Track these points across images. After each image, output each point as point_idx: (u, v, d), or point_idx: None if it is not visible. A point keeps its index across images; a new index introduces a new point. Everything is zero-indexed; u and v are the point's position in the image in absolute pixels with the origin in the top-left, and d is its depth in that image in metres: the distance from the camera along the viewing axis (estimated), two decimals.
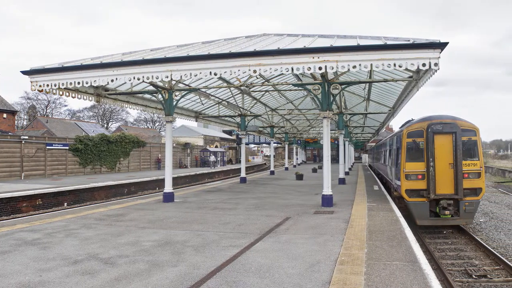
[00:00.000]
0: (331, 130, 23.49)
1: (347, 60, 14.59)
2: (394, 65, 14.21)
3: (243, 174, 36.93)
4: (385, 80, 22.08)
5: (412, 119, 23.08)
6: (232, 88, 29.33)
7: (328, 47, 14.98)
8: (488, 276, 13.97)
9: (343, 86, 19.83)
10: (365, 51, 14.55)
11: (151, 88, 21.76)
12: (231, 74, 15.61)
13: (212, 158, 70.40)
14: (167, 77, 16.23)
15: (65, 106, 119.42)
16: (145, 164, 58.67)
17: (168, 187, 21.63)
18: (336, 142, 40.23)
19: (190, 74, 15.84)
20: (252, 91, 31.75)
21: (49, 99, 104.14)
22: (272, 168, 51.36)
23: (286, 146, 64.21)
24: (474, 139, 19.11)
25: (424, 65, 13.96)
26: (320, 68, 14.74)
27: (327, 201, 18.75)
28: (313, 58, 14.78)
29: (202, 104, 32.48)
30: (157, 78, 16.47)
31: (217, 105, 32.93)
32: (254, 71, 15.30)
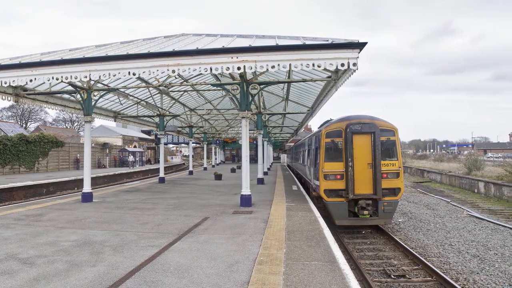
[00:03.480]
0: (250, 130, 23.46)
1: (266, 60, 14.72)
2: (313, 65, 14.37)
3: (161, 174, 36.75)
4: (304, 80, 22.26)
5: (331, 119, 23.12)
6: (151, 88, 29.28)
7: (247, 47, 15.10)
8: (407, 276, 14.11)
9: (261, 86, 19.90)
10: (283, 51, 14.69)
11: (70, 88, 21.52)
12: (149, 74, 15.53)
13: (131, 158, 69.64)
14: (86, 77, 16.09)
15: None
16: (64, 164, 57.56)
17: (86, 187, 21.35)
18: (255, 142, 40.49)
19: (109, 74, 15.77)
20: (170, 91, 31.72)
21: None
22: (191, 168, 51.03)
23: (205, 146, 63.90)
24: (392, 139, 19.34)
25: (343, 65, 14.18)
26: (238, 68, 14.84)
27: (246, 201, 18.83)
28: (232, 58, 14.88)
29: (121, 104, 32.15)
30: (75, 78, 16.27)
31: (136, 105, 32.72)
32: (173, 71, 15.29)
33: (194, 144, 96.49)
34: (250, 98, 19.41)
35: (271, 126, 55.75)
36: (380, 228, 20.68)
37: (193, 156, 63.68)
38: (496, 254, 16.97)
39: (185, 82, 26.97)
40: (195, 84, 25.52)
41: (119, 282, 8.04)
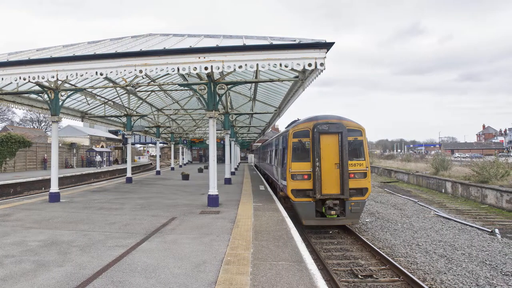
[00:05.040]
0: (217, 130, 23.44)
1: (233, 60, 14.77)
2: (280, 65, 14.44)
3: (129, 174, 36.60)
4: (271, 80, 22.27)
5: (298, 119, 23.13)
6: (118, 88, 29.19)
7: (214, 47, 15.12)
8: (374, 276, 14.10)
9: (229, 86, 19.90)
10: (251, 51, 14.73)
11: (37, 88, 21.42)
12: (117, 74, 15.53)
13: (98, 158, 69.08)
14: (53, 77, 16.07)
15: None
16: (31, 164, 56.98)
17: (54, 187, 21.25)
18: (222, 142, 40.45)
19: (76, 74, 15.77)
20: (138, 91, 31.62)
21: None
22: (158, 168, 50.81)
23: (172, 146, 63.70)
24: (360, 139, 19.36)
25: (310, 65, 14.25)
26: (206, 68, 14.87)
27: (213, 201, 18.87)
28: (199, 58, 14.91)
29: (88, 104, 31.89)
30: (43, 78, 16.25)
31: (103, 105, 32.52)
32: (140, 71, 15.29)
33: (162, 144, 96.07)
34: (218, 98, 19.43)
35: (238, 126, 55.72)
36: (348, 228, 20.69)
37: (160, 156, 63.44)
38: (463, 254, 17.13)
39: (152, 82, 26.92)
40: (163, 84, 25.42)
41: (87, 282, 8.05)
